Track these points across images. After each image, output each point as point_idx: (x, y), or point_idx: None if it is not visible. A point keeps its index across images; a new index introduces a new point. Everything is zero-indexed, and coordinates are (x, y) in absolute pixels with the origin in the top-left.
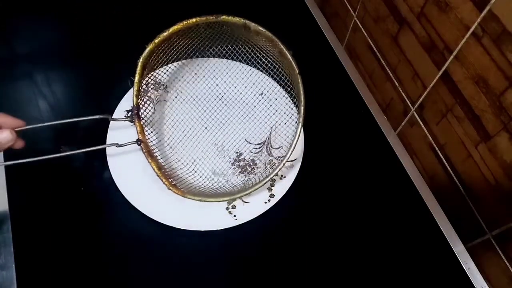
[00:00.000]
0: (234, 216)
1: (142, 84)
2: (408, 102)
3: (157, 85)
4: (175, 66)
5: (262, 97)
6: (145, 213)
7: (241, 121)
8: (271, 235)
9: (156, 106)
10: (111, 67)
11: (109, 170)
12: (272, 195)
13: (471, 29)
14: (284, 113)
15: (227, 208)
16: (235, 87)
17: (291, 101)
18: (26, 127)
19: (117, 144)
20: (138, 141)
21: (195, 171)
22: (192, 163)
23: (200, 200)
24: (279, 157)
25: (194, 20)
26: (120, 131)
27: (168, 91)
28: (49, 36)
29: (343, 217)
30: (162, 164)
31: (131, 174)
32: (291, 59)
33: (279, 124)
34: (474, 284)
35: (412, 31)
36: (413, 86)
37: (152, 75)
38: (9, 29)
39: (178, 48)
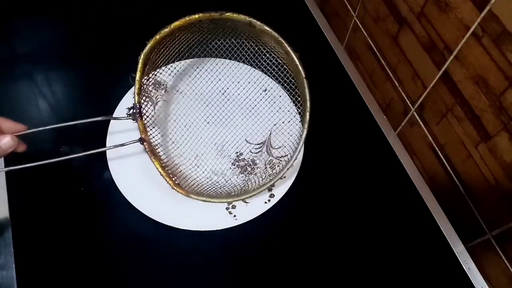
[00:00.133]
0: (234, 216)
1: (143, 82)
2: (408, 102)
3: (157, 85)
4: (176, 65)
5: (266, 93)
6: (145, 213)
7: (242, 121)
8: (271, 235)
9: (157, 105)
10: (111, 67)
11: (109, 170)
12: (272, 195)
13: (471, 29)
14: (284, 112)
15: (227, 208)
16: (236, 86)
17: (291, 100)
18: (27, 131)
19: (120, 144)
20: (141, 140)
21: (198, 166)
22: (195, 158)
23: (204, 201)
24: (279, 157)
25: (196, 16)
26: (120, 131)
27: (168, 91)
28: (49, 36)
29: (343, 217)
30: (165, 160)
31: (131, 174)
32: (297, 63)
33: (279, 124)
34: (474, 284)
35: (412, 31)
36: (413, 86)
37: (153, 74)
38: (9, 29)
39: (180, 41)
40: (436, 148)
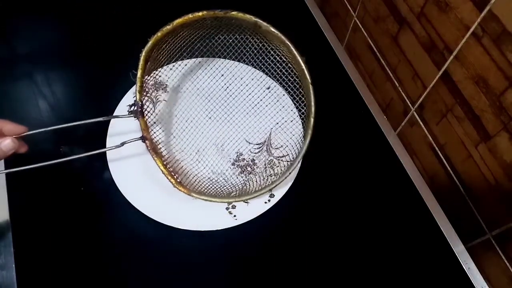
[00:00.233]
0: (234, 216)
1: (145, 80)
2: (408, 102)
3: (158, 83)
4: (178, 65)
5: (269, 91)
6: (145, 213)
7: (242, 119)
8: (271, 235)
9: (157, 103)
10: (111, 67)
11: (109, 170)
12: (272, 195)
13: (471, 29)
14: (286, 112)
15: (227, 208)
16: (237, 84)
17: (291, 100)
18: (28, 133)
19: (121, 143)
20: (143, 138)
21: (199, 161)
22: (196, 153)
23: (205, 200)
24: (279, 157)
25: (200, 14)
26: (120, 131)
27: (169, 90)
28: (49, 36)
29: (343, 217)
30: (166, 157)
31: (131, 174)
32: (304, 67)
33: (280, 124)
34: (474, 284)
35: (412, 31)
36: (413, 86)
37: (154, 73)
38: (9, 29)
39: (182, 37)
40: (436, 148)
